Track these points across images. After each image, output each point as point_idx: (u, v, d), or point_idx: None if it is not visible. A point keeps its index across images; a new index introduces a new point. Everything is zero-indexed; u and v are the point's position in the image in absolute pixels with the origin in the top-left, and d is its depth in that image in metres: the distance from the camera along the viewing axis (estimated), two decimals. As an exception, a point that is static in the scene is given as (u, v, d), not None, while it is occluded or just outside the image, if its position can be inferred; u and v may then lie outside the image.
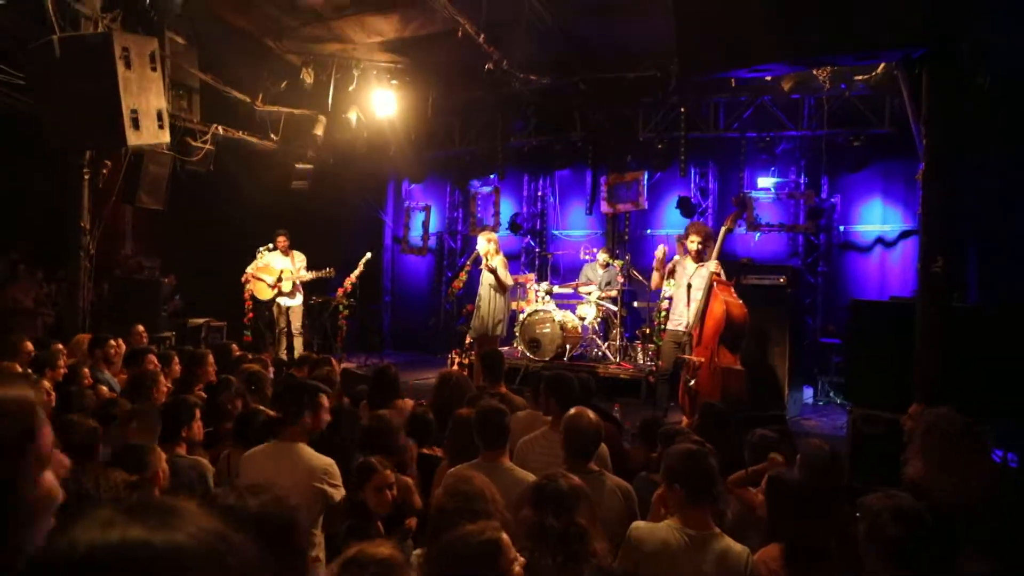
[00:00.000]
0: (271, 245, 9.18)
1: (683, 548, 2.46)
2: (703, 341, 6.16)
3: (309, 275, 9.09)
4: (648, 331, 8.68)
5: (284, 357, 8.44)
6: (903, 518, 2.16)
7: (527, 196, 11.73)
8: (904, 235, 8.96)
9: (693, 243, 6.47)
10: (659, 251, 6.63)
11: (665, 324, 7.07)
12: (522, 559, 1.95)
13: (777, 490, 2.69)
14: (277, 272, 9.09)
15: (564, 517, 2.25)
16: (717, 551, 2.46)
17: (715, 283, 6.16)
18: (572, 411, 3.16)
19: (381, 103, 9.35)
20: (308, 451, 3.27)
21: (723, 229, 6.42)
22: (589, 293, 9.36)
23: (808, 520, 2.55)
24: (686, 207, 9.72)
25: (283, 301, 9.16)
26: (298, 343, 9.10)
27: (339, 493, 3.12)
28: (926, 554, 2.14)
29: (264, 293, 9.14)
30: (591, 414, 3.16)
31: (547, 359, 8.57)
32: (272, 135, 9.46)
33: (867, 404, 5.20)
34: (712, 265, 6.24)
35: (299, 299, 9.26)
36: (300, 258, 9.26)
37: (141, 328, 6.65)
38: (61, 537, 0.60)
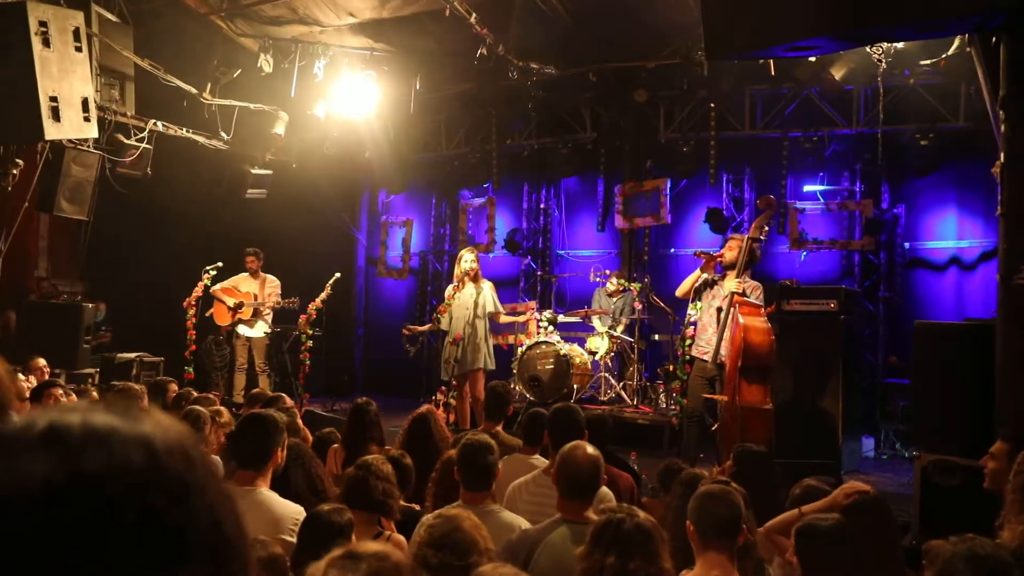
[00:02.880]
0: (220, 264, 9.07)
1: None
2: (727, 374, 6.19)
3: (271, 302, 9.13)
4: (672, 367, 8.53)
5: (240, 399, 8.40)
6: (981, 565, 2.10)
7: (527, 209, 11.77)
8: (986, 256, 8.78)
9: (731, 251, 6.56)
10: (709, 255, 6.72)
11: (689, 354, 7.06)
12: None
13: (808, 540, 2.66)
14: (241, 296, 9.19)
15: (654, 562, 2.33)
16: None
17: (736, 304, 6.20)
18: (568, 445, 3.19)
19: (354, 97, 9.36)
20: (275, 498, 3.34)
21: (747, 239, 6.43)
22: (601, 323, 9.38)
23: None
24: (717, 221, 9.67)
25: (243, 330, 9.21)
26: (263, 383, 8.97)
27: None
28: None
29: (222, 317, 9.23)
30: (589, 447, 3.15)
31: (550, 400, 8.41)
32: (223, 133, 9.38)
33: (938, 449, 5.10)
34: (732, 284, 6.30)
35: (262, 329, 9.28)
36: (272, 283, 9.33)
37: (42, 362, 6.57)
38: (15, 421, 0.66)
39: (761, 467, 4.11)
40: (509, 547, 2.95)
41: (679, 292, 6.90)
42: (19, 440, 0.63)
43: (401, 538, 3.20)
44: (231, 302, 9.17)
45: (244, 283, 9.31)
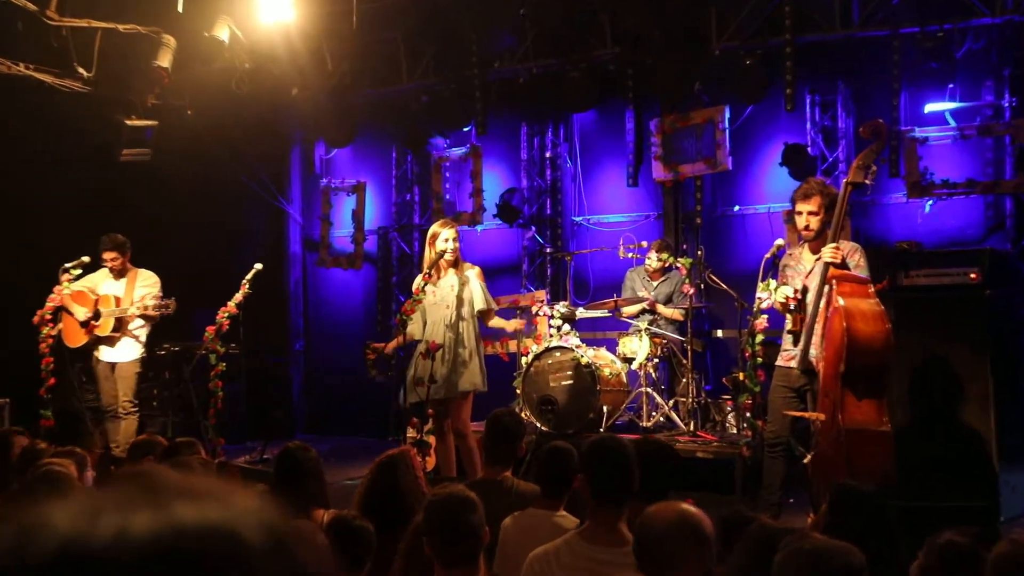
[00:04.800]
0: (86, 259, 9.00)
1: None
2: (822, 383, 6.18)
3: (132, 311, 8.88)
4: (740, 375, 8.30)
5: (121, 454, 8.28)
6: None
7: (527, 160, 11.68)
8: None
9: (803, 216, 6.46)
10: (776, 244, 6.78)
11: (762, 356, 7.03)
12: None
13: None
14: (97, 303, 8.98)
15: None
16: None
17: (834, 281, 6.11)
18: (653, 507, 3.29)
19: (271, 9, 9.30)
20: None
21: (846, 183, 6.32)
22: (639, 316, 9.40)
23: None
24: (799, 162, 9.50)
25: (103, 353, 8.99)
26: (127, 427, 8.85)
27: None
28: None
29: (74, 338, 8.99)
30: (685, 507, 3.27)
31: (570, 430, 8.49)
32: (81, 70, 9.36)
33: None
34: (827, 251, 6.19)
35: (132, 351, 9.07)
36: (147, 280, 9.15)
37: None
38: (85, 522, 0.72)
39: (871, 515, 3.99)
40: None
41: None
42: (118, 558, 0.69)
43: None
44: (83, 313, 8.88)
45: (105, 284, 9.05)
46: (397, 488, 4.64)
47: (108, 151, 9.95)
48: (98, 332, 8.92)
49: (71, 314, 8.95)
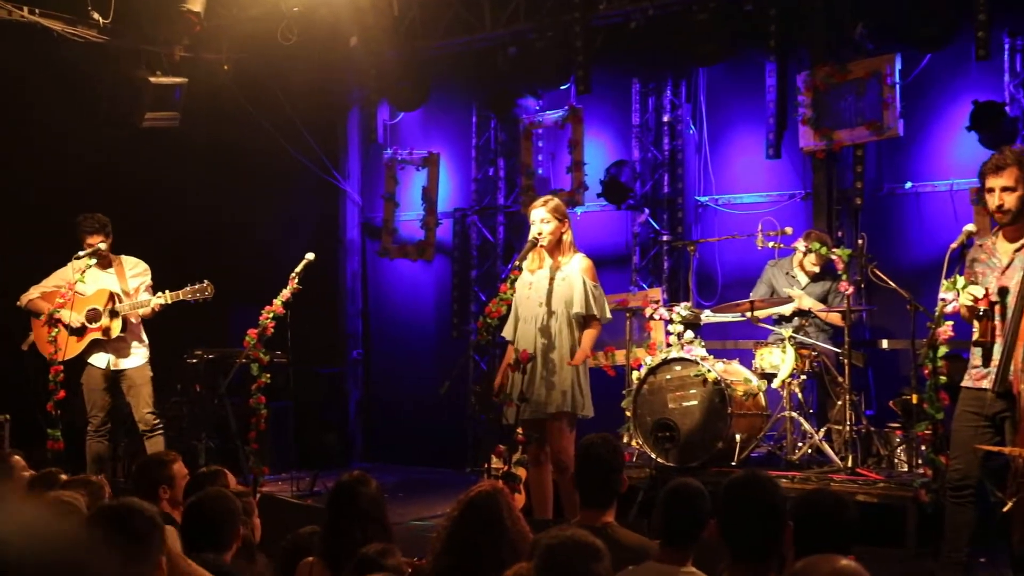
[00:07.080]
0: (103, 246, 9.07)
1: None
2: (1022, 413, 6.07)
3: (156, 300, 8.94)
4: (914, 398, 8.16)
5: None
6: None
7: (639, 126, 11.69)
8: None
9: (995, 193, 6.32)
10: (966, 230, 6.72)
11: (945, 375, 6.88)
12: None
13: None
14: (89, 301, 9.02)
15: None
16: None
17: None
18: (803, 563, 3.20)
19: None
20: None
21: None
22: (781, 323, 9.45)
23: None
24: (993, 125, 9.36)
25: (101, 360, 9.01)
26: (155, 446, 8.87)
27: None
28: None
29: (61, 347, 8.90)
30: (850, 565, 3.11)
31: (694, 463, 8.50)
32: (96, 15, 9.48)
33: None
34: None
35: (141, 354, 9.19)
36: (136, 268, 9.30)
37: None
38: None
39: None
40: None
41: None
42: None
43: None
44: (74, 318, 8.84)
45: (90, 277, 8.95)
46: (492, 532, 4.55)
47: (128, 113, 10.04)
48: (97, 334, 8.94)
49: (41, 317, 8.94)
